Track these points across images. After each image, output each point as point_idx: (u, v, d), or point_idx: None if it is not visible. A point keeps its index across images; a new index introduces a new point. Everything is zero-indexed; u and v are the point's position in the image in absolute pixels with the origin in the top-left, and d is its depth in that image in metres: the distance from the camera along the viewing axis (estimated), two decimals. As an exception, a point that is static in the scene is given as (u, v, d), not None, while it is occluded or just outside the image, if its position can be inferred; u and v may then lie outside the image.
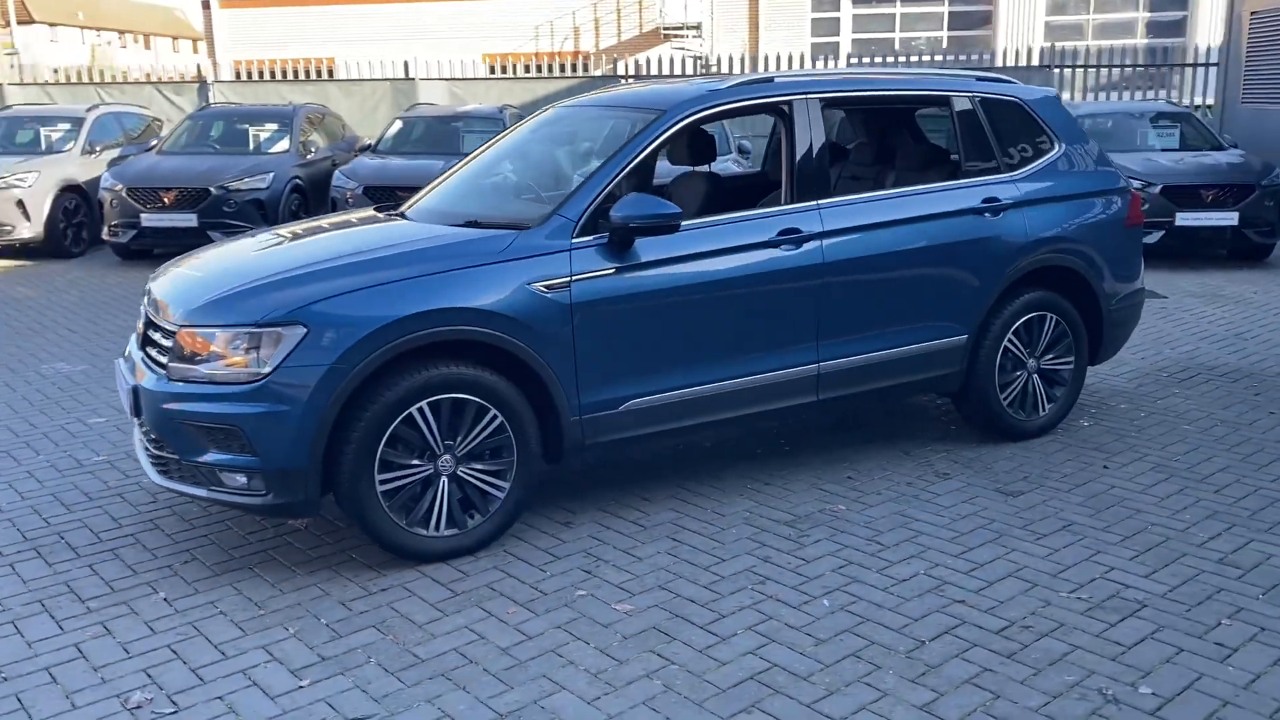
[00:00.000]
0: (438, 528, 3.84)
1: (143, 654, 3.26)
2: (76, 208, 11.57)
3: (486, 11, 27.37)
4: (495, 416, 3.86)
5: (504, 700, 2.97)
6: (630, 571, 3.77)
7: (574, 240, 3.99)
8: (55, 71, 18.54)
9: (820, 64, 18.42)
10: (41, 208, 11.14)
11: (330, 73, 17.56)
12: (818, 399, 4.56)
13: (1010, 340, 4.96)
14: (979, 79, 5.26)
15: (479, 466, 3.88)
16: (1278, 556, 3.81)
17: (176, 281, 4.14)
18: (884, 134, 5.60)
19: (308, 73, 16.86)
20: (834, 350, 4.52)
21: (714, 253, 4.27)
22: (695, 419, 4.31)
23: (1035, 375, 5.09)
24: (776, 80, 4.66)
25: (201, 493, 3.73)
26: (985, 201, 4.87)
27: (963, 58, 18.08)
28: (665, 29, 26.53)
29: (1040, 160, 5.15)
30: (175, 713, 2.94)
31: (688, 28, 26.50)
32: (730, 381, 4.32)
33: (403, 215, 4.64)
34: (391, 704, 2.96)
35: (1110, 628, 3.32)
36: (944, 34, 27.97)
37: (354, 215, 4.95)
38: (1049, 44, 21.11)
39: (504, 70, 16.91)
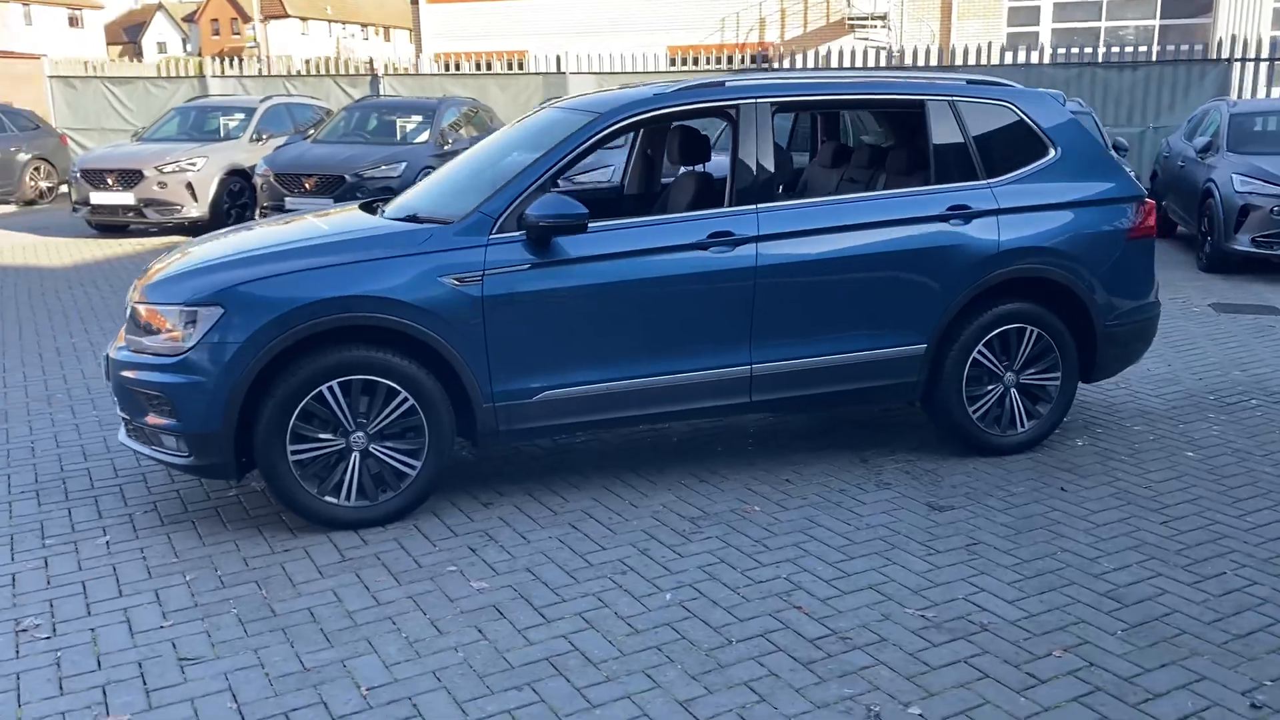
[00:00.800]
0: (348, 498, 4.17)
1: (60, 586, 3.76)
2: (240, 190, 12.72)
3: (677, 3, 27.72)
4: (406, 399, 4.15)
5: (317, 656, 3.26)
6: (511, 553, 3.98)
7: (491, 236, 4.22)
8: (279, 61, 20.11)
9: (1011, 55, 17.56)
10: (208, 190, 12.35)
11: (521, 65, 18.18)
12: (750, 400, 4.60)
13: (982, 352, 4.82)
14: (969, 82, 5.10)
15: (392, 445, 4.19)
16: (1169, 595, 3.60)
17: (164, 260, 4.64)
18: (857, 139, 5.53)
19: (489, 65, 17.27)
20: (768, 353, 4.55)
21: (640, 252, 4.40)
22: (616, 413, 4.46)
23: (1014, 390, 4.92)
24: (728, 85, 4.71)
25: (146, 451, 4.21)
26: (951, 209, 4.75)
27: (1170, 48, 16.82)
28: (851, 19, 26.07)
29: (1029, 167, 4.95)
30: (49, 638, 3.39)
31: (874, 18, 25.94)
32: (655, 379, 4.43)
33: (379, 212, 4.98)
34: (222, 650, 3.31)
35: (930, 648, 3.27)
36: (1156, 23, 26.14)
37: (338, 210, 5.35)
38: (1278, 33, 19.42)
39: (683, 63, 16.93)
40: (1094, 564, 3.85)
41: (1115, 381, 6.06)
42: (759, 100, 4.64)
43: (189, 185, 12.25)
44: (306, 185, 11.25)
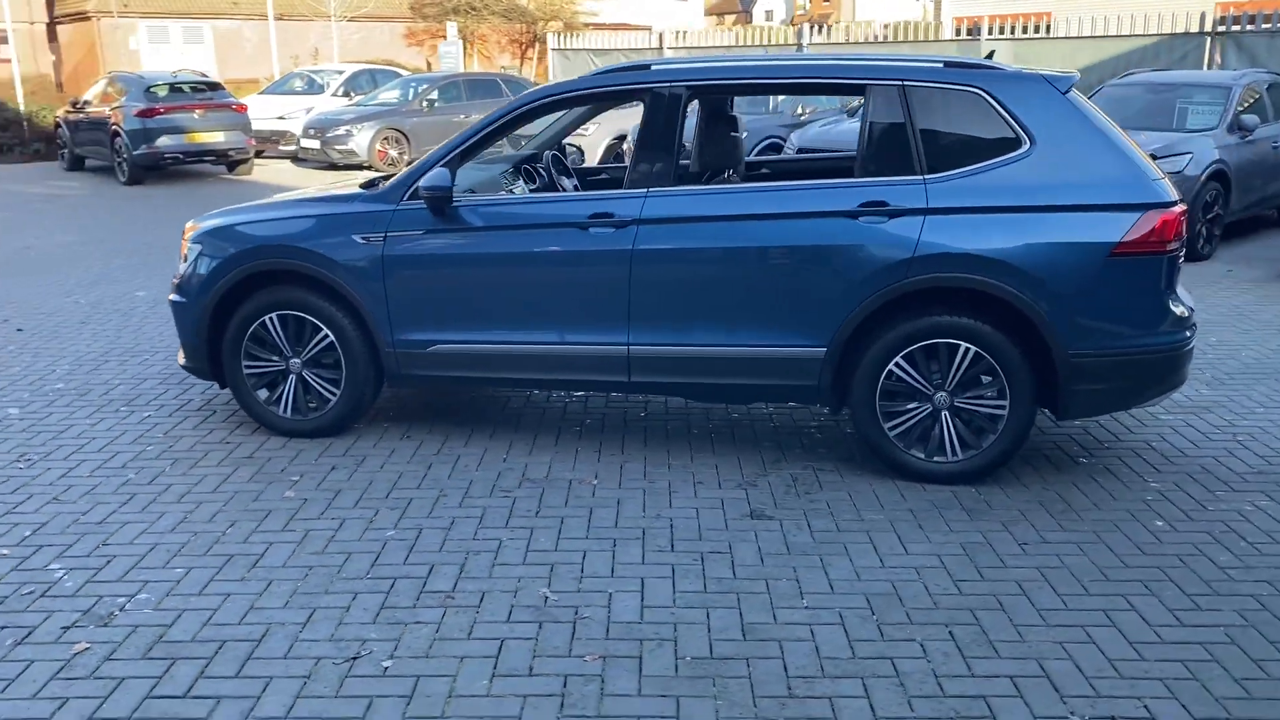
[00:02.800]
0: (285, 412, 5.08)
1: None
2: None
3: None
4: (326, 336, 4.94)
5: (88, 517, 4.23)
6: (355, 487, 4.58)
7: (400, 203, 4.81)
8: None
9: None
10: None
11: (1048, 29, 17.17)
12: (629, 380, 4.70)
13: (900, 365, 4.40)
14: (948, 64, 4.54)
15: (318, 372, 5.01)
16: (810, 640, 3.27)
17: None
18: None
19: (1010, 29, 16.53)
20: (646, 336, 4.61)
21: (525, 226, 4.71)
22: (504, 373, 4.84)
23: (945, 413, 4.42)
24: (654, 68, 4.75)
25: (178, 358, 5.44)
26: (865, 205, 4.36)
27: None
28: None
29: (988, 162, 4.34)
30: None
31: None
32: (538, 346, 4.74)
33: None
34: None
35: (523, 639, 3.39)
36: None
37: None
38: None
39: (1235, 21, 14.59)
40: (831, 597, 3.55)
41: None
42: (671, 84, 4.63)
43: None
44: None
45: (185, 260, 5.14)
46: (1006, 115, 4.33)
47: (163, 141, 15.38)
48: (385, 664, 3.14)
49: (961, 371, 4.36)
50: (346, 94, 19.67)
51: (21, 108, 20.72)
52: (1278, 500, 4.31)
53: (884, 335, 4.39)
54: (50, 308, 7.82)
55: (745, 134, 5.77)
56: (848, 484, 4.49)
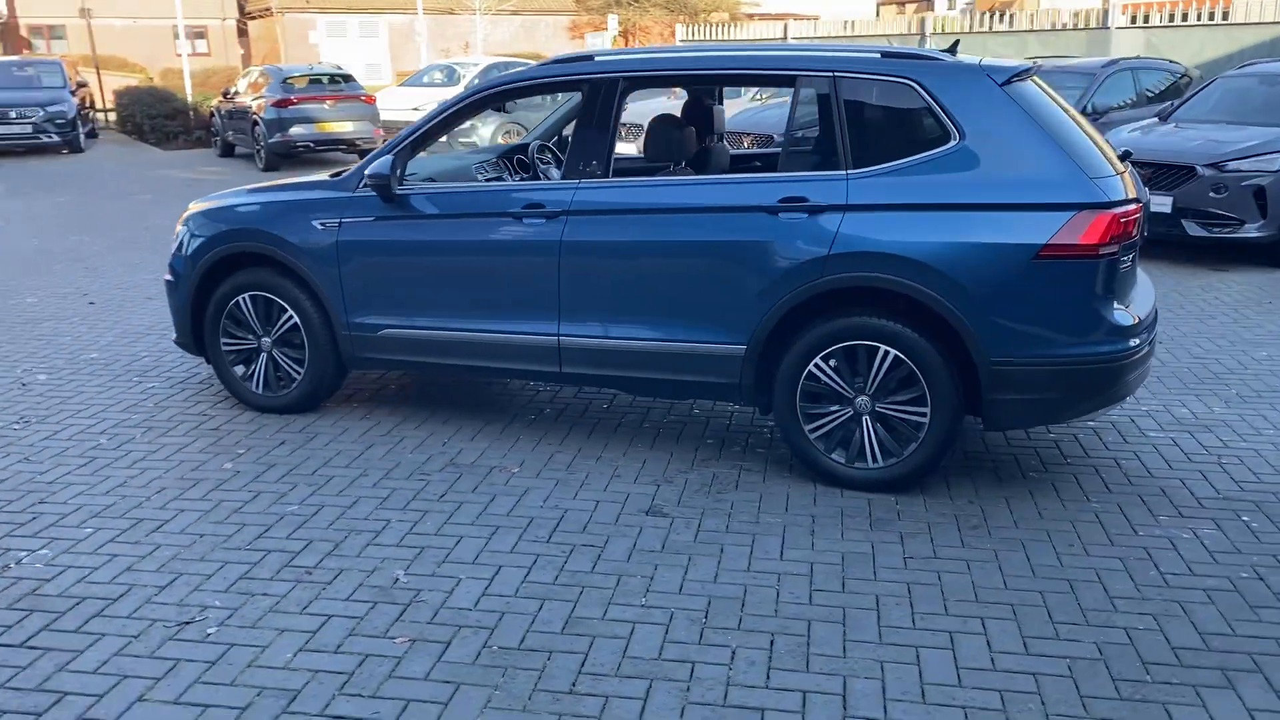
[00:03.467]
0: (258, 388, 5.34)
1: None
2: None
3: None
4: (291, 317, 5.16)
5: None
6: (288, 463, 4.78)
7: (354, 190, 4.97)
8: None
9: None
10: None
11: (1225, 15, 16.12)
12: (560, 370, 4.72)
13: (819, 366, 4.27)
14: (884, 55, 4.35)
15: (285, 351, 5.25)
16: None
17: None
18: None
19: (1184, 15, 15.52)
20: (576, 327, 4.62)
21: (464, 215, 4.80)
22: (449, 359, 4.95)
23: (867, 417, 4.27)
24: (596, 59, 4.73)
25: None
26: (785, 200, 4.24)
27: None
28: None
29: (914, 157, 4.15)
30: None
31: None
32: (477, 333, 4.82)
33: None
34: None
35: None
36: None
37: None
38: None
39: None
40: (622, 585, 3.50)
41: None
42: (607, 75, 4.61)
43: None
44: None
45: (176, 241, 5.46)
46: (937, 108, 4.12)
47: (295, 131, 16.24)
48: (210, 631, 3.29)
49: (881, 376, 4.19)
50: (480, 85, 20.20)
51: (189, 98, 22.22)
52: (1224, 529, 3.96)
53: (804, 335, 4.26)
54: (131, 283, 8.42)
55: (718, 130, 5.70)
56: (766, 486, 4.39)
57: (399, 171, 4.82)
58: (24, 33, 36.93)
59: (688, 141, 4.99)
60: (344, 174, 5.12)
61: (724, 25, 24.67)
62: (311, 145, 16.48)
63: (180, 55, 26.10)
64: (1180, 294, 7.66)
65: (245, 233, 5.17)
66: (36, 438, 5.02)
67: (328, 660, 3.13)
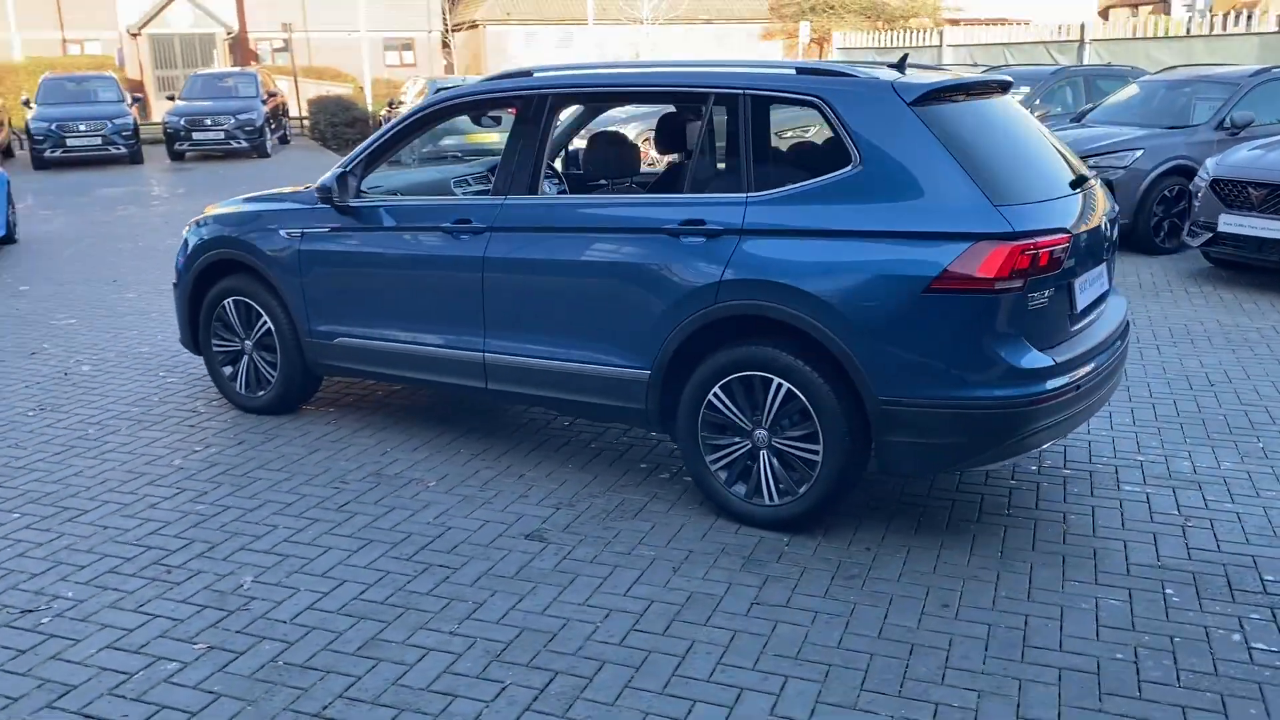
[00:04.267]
0: (245, 388, 5.59)
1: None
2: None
3: None
4: (265, 322, 5.39)
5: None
6: (226, 463, 5.00)
7: (316, 203, 5.13)
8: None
9: None
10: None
11: None
12: (486, 387, 4.72)
13: (718, 395, 4.10)
14: (800, 70, 4.11)
15: (264, 355, 5.48)
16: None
17: None
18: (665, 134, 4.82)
19: None
20: (499, 345, 4.61)
21: (403, 229, 4.87)
22: (394, 370, 5.03)
23: (764, 452, 4.06)
24: (535, 75, 4.69)
25: None
26: (686, 223, 4.08)
27: None
28: None
29: (815, 180, 3.91)
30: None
31: None
32: (414, 346, 4.89)
33: None
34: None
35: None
36: None
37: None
38: None
39: None
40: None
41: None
42: (538, 91, 4.57)
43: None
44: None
45: (181, 243, 5.80)
46: (841, 128, 3.87)
47: (445, 141, 16.89)
48: (44, 620, 3.48)
49: (776, 409, 3.97)
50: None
51: (370, 107, 23.51)
52: (1135, 601, 3.53)
53: (704, 363, 4.09)
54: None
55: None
56: (666, 517, 4.24)
57: (352, 185, 4.94)
58: (252, 45, 39.97)
59: (629, 159, 4.87)
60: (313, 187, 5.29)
61: (924, 31, 23.78)
62: (459, 155, 17.08)
63: (388, 66, 27.54)
64: (1258, 332, 6.87)
65: (228, 240, 5.43)
66: (39, 425, 5.44)
67: (122, 659, 3.25)
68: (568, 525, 4.17)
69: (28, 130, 19.96)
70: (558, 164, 5.73)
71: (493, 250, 4.53)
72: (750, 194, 3.99)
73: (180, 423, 5.44)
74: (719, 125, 4.15)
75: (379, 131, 5.08)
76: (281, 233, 5.21)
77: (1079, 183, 4.13)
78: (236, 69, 26.59)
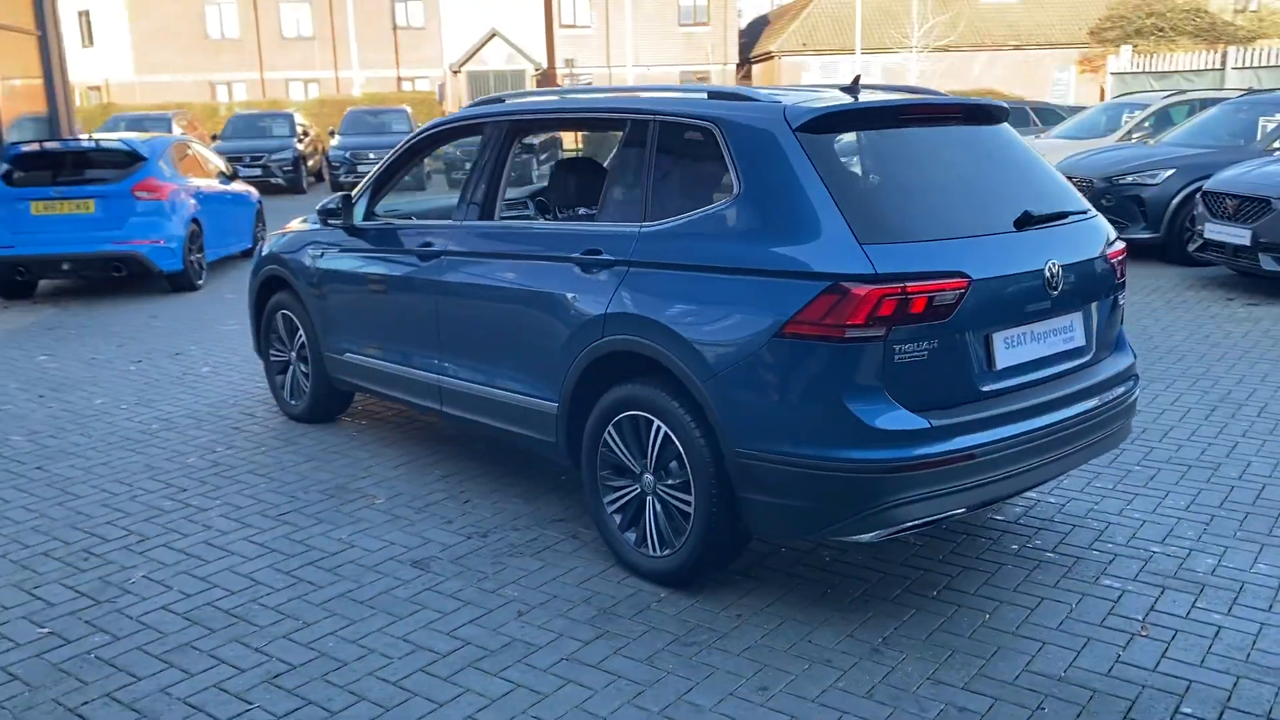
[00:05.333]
0: (290, 396, 5.93)
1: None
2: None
3: None
4: (301, 335, 5.71)
5: (87, 452, 5.49)
6: (230, 466, 5.32)
7: (327, 223, 5.38)
8: None
9: None
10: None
11: None
12: (442, 409, 4.75)
13: (611, 435, 3.90)
14: (711, 94, 3.82)
15: (303, 366, 5.79)
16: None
17: None
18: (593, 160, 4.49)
19: None
20: (451, 369, 4.63)
21: (386, 251, 4.99)
22: (380, 387, 5.17)
23: (650, 498, 3.83)
24: (506, 102, 4.66)
25: None
26: (587, 252, 3.92)
27: None
28: None
29: (700, 209, 3.63)
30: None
31: None
32: (391, 365, 5.01)
33: None
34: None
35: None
36: None
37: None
38: None
39: None
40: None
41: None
42: (496, 119, 4.55)
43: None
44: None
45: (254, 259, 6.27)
46: (727, 156, 3.57)
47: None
48: (-52, 590, 3.86)
49: (657, 453, 3.71)
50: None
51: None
52: (995, 714, 2.98)
53: (599, 400, 3.90)
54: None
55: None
56: (566, 559, 4.05)
57: (361, 207, 5.14)
58: (560, 81, 42.44)
59: (588, 186, 4.71)
60: (339, 208, 5.55)
61: (1209, 52, 21.47)
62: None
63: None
64: None
65: (276, 256, 5.80)
66: (118, 416, 6.05)
67: (-29, 634, 3.54)
68: (462, 556, 4.09)
69: (327, 157, 22.25)
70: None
71: (445, 274, 4.56)
72: (644, 224, 3.76)
73: (230, 425, 5.86)
74: (632, 152, 3.93)
75: (386, 158, 5.25)
76: (310, 251, 5.50)
77: (1042, 219, 3.57)
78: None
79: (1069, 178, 7.26)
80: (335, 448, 5.41)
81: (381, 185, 5.23)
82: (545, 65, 41.66)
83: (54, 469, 5.18)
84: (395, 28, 41.96)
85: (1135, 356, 4.10)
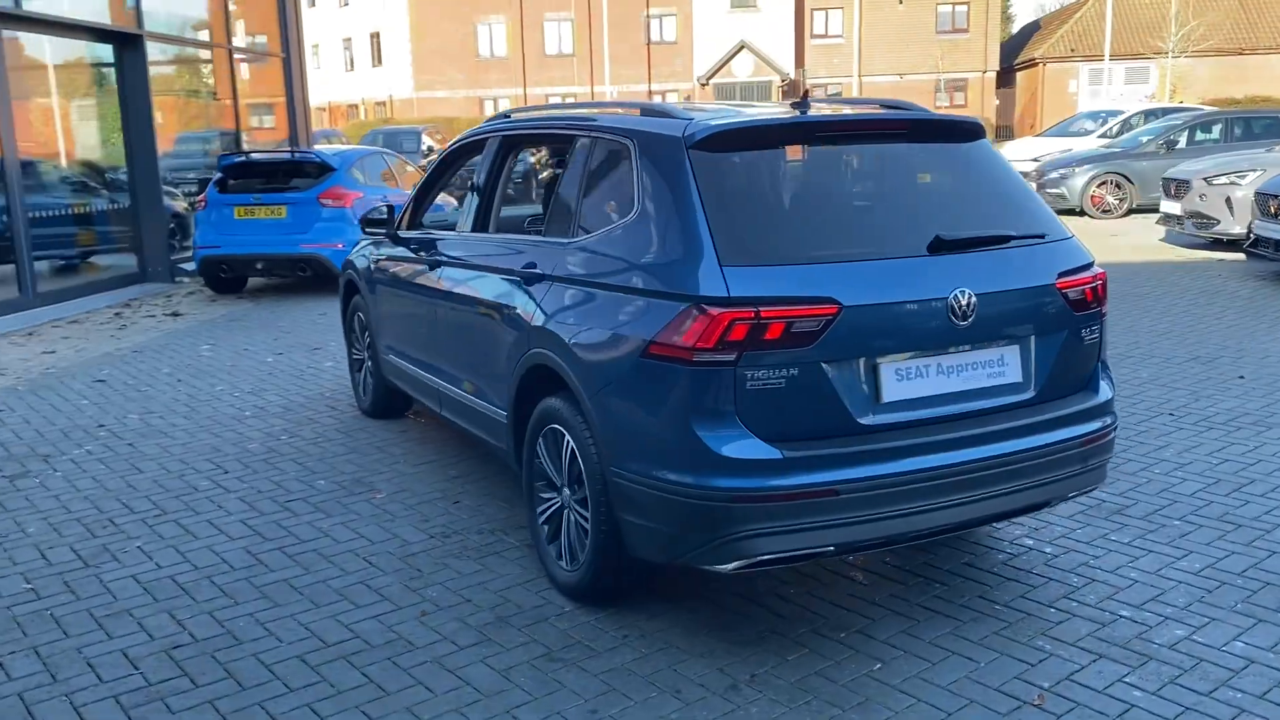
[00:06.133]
0: (363, 392, 6.36)
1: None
2: None
3: None
4: (368, 335, 6.10)
5: (176, 433, 6.10)
6: (279, 455, 5.74)
7: (369, 230, 5.72)
8: None
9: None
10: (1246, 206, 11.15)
11: None
12: (441, 413, 4.95)
13: (540, 447, 3.96)
14: (643, 111, 3.78)
15: (370, 365, 6.19)
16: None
17: None
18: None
19: None
20: (445, 374, 4.84)
21: (407, 260, 5.25)
22: (410, 388, 5.44)
23: (569, 511, 3.86)
24: (512, 116, 4.80)
25: None
26: (525, 266, 4.00)
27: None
28: None
29: (611, 225, 3.62)
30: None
31: None
32: (412, 368, 5.27)
33: None
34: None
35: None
36: None
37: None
38: None
39: None
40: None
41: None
42: (489, 135, 4.70)
43: (1227, 200, 11.38)
44: (1272, 208, 9.90)
45: (344, 264, 6.73)
46: (635, 172, 3.54)
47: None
48: (-14, 544, 4.44)
49: (567, 466, 3.73)
50: (1119, 134, 18.37)
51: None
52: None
53: (533, 412, 3.97)
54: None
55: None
56: (507, 565, 4.13)
57: (409, 215, 5.45)
58: (810, 93, 42.13)
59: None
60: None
61: None
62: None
63: (937, 108, 27.73)
64: None
65: (349, 262, 6.23)
66: (225, 402, 6.67)
67: (-26, 583, 4.07)
68: (414, 554, 4.25)
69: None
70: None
71: (438, 282, 4.76)
72: (573, 239, 3.79)
73: (308, 415, 6.34)
74: (573, 168, 3.95)
75: (427, 171, 5.52)
76: (369, 255, 5.86)
77: (959, 245, 3.31)
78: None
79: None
80: (381, 442, 5.73)
81: (422, 196, 5.50)
82: (792, 76, 41.50)
83: (141, 446, 5.80)
84: (649, 43, 43.11)
85: (1112, 393, 3.69)
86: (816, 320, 3.05)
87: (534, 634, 3.56)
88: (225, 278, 11.32)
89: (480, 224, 4.64)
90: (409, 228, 5.46)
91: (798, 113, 3.66)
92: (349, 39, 47.69)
